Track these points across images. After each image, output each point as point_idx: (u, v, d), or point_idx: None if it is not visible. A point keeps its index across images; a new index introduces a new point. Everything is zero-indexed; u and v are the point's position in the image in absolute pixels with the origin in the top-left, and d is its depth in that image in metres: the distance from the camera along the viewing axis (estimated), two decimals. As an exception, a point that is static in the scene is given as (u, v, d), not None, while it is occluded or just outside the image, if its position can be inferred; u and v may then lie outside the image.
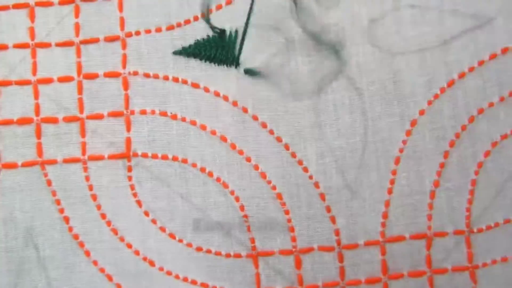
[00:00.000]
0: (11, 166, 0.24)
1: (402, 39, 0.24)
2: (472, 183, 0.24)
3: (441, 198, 0.24)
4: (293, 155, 0.24)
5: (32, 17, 0.25)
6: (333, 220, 0.24)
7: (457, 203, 0.24)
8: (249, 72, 0.24)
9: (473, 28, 0.24)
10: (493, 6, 0.24)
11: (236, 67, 0.25)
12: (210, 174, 0.24)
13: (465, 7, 0.24)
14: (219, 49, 0.24)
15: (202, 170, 0.24)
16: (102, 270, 0.24)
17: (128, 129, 0.25)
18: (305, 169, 0.24)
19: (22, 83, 0.25)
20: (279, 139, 0.24)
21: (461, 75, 0.24)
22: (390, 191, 0.24)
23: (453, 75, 0.24)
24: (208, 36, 0.25)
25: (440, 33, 0.24)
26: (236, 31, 0.25)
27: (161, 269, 0.24)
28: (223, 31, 0.24)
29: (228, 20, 0.24)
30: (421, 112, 0.24)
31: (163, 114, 0.25)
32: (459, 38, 0.24)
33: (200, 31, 0.25)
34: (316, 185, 0.24)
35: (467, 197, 0.24)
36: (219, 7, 0.25)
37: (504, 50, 0.24)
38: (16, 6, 0.25)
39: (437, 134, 0.24)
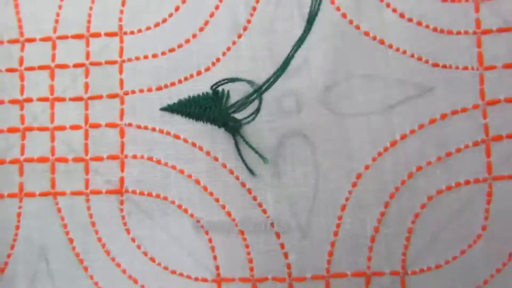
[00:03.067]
0: (31, 195, 0.29)
1: (352, 103, 0.27)
2: (408, 231, 0.27)
3: (380, 242, 0.27)
4: (255, 198, 0.28)
5: (52, 76, 0.29)
6: (285, 255, 0.27)
7: (394, 248, 0.27)
8: (231, 127, 0.27)
9: (415, 96, 0.27)
10: (434, 77, 0.27)
11: (227, 124, 0.28)
12: (185, 210, 0.28)
13: (409, 77, 0.27)
14: (199, 107, 0.28)
15: (179, 206, 0.28)
16: (96, 284, 0.28)
17: (122, 170, 0.28)
18: (264, 211, 0.27)
19: (42, 129, 0.29)
20: (243, 185, 0.28)
21: (403, 137, 0.27)
22: (335, 234, 0.27)
23: (395, 136, 0.27)
24: (189, 96, 0.28)
25: (386, 99, 0.27)
26: (228, 92, 0.28)
27: (142, 286, 0.28)
28: (217, 91, 0.28)
29: (205, 85, 0.28)
30: (366, 167, 0.27)
31: (150, 159, 0.28)
32: (402, 104, 0.27)
33: (183, 92, 0.28)
34: (273, 225, 0.27)
35: (403, 242, 0.27)
36: (198, 73, 0.28)
37: (443, 116, 0.27)
38: (40, 67, 0.29)
39: (379, 187, 0.27)
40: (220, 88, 0.28)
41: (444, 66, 0.27)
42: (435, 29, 0.27)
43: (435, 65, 0.27)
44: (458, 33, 0.27)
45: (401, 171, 0.27)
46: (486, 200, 0.26)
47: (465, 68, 0.27)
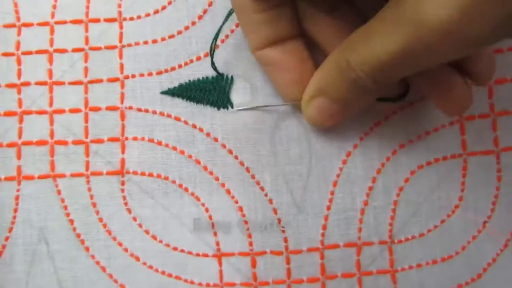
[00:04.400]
0: (29, 178, 0.29)
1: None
2: (394, 203, 0.29)
3: (369, 215, 0.29)
4: (253, 177, 0.29)
5: (50, 61, 0.30)
6: (282, 230, 0.29)
7: (382, 219, 0.29)
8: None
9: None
10: None
11: (226, 107, 0.29)
12: (186, 189, 0.29)
13: None
14: (199, 90, 0.29)
15: (180, 186, 0.29)
16: (97, 263, 0.29)
17: (123, 152, 0.29)
18: (262, 188, 0.29)
19: (40, 112, 0.29)
20: (242, 164, 0.29)
21: (387, 118, 0.29)
22: (328, 208, 0.29)
23: (380, 117, 0.29)
24: (189, 80, 0.30)
25: None
26: (232, 77, 0.29)
27: (144, 263, 0.29)
28: (221, 74, 0.29)
29: (205, 70, 0.29)
30: (355, 146, 0.29)
31: (151, 140, 0.29)
32: None
33: (183, 76, 0.29)
34: (270, 201, 0.29)
35: (390, 214, 0.29)
36: (198, 58, 0.30)
37: (422, 98, 0.29)
38: (38, 52, 0.30)
39: (366, 164, 0.29)
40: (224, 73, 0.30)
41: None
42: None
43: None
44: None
45: (386, 148, 0.29)
46: (462, 174, 0.29)
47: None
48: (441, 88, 0.25)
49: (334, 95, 0.25)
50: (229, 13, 0.28)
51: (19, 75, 0.30)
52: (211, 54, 0.29)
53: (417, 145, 0.29)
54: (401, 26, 0.20)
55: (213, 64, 0.29)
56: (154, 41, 0.30)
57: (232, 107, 0.29)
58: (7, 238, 0.29)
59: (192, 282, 0.29)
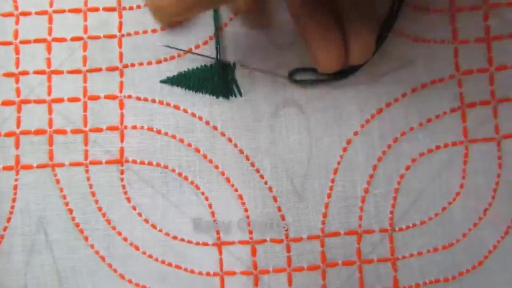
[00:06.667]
0: (28, 167, 0.29)
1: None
2: (395, 191, 0.29)
3: (370, 203, 0.29)
4: (252, 165, 0.29)
5: (49, 49, 0.29)
6: (282, 218, 0.29)
7: (383, 207, 0.29)
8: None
9: (398, 68, 0.29)
10: (414, 51, 0.29)
11: (225, 95, 0.29)
12: (186, 178, 0.29)
13: (393, 50, 0.29)
14: (198, 79, 0.29)
15: (179, 175, 0.29)
16: (97, 252, 0.29)
17: (122, 141, 0.29)
18: (262, 177, 0.29)
19: (39, 101, 0.29)
20: (241, 152, 0.29)
21: (388, 105, 0.29)
22: (329, 196, 0.29)
23: (381, 104, 0.29)
24: (188, 69, 0.30)
25: (373, 71, 0.29)
26: (234, 64, 0.29)
27: (144, 253, 0.29)
28: (226, 62, 0.29)
29: (203, 58, 0.29)
30: (355, 133, 0.29)
31: (150, 129, 0.29)
32: (387, 75, 0.29)
33: (182, 65, 0.29)
34: (270, 189, 0.29)
35: (391, 202, 0.29)
36: (197, 47, 0.30)
37: (423, 85, 0.29)
38: (36, 41, 0.30)
39: (367, 151, 0.29)
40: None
41: (423, 41, 0.30)
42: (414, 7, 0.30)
43: (415, 40, 0.30)
44: (435, 11, 0.30)
45: (387, 136, 0.29)
46: (463, 161, 0.29)
47: (442, 42, 0.30)
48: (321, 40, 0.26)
49: None
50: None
51: (17, 64, 0.30)
52: (217, 42, 0.28)
53: (418, 133, 0.29)
54: None
55: (217, 54, 0.29)
56: (154, 31, 0.30)
57: (231, 95, 0.29)
58: (5, 228, 0.29)
59: (192, 271, 0.29)
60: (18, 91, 0.29)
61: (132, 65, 0.30)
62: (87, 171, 0.29)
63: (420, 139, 0.29)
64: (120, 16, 0.30)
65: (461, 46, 0.30)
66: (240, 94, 0.29)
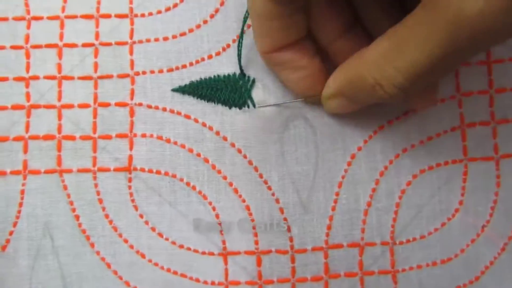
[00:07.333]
0: (36, 172, 0.29)
1: None
2: (396, 205, 0.30)
3: (372, 216, 0.29)
4: (260, 176, 0.29)
5: (60, 55, 0.29)
6: (288, 229, 0.29)
7: (384, 220, 0.29)
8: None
9: None
10: None
11: (237, 106, 0.29)
12: (194, 188, 0.29)
13: None
14: (211, 89, 0.29)
15: (187, 184, 0.29)
16: (103, 259, 0.29)
17: (131, 148, 0.29)
18: (269, 188, 0.29)
19: (49, 107, 0.29)
20: (250, 163, 0.29)
21: (390, 122, 0.30)
22: (333, 209, 0.29)
23: (384, 122, 0.30)
24: (200, 78, 0.30)
25: None
26: (254, 79, 0.30)
27: (150, 261, 0.29)
28: (244, 74, 0.29)
29: (216, 68, 0.30)
30: (359, 148, 0.30)
31: (159, 138, 0.29)
32: None
33: (194, 74, 0.30)
34: (277, 201, 0.29)
35: (392, 216, 0.30)
36: (209, 57, 0.30)
37: None
38: (47, 46, 0.30)
39: (370, 166, 0.30)
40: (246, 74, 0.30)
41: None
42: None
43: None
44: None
45: (389, 152, 0.30)
46: (463, 179, 0.30)
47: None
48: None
49: (355, 99, 0.27)
50: (246, 17, 0.29)
51: (27, 68, 0.30)
52: (239, 54, 0.29)
53: (419, 150, 0.30)
54: (439, 27, 0.21)
55: (241, 68, 0.29)
56: (165, 39, 0.30)
57: (244, 106, 0.30)
58: (11, 232, 0.29)
59: (197, 280, 0.29)
60: (28, 96, 0.29)
61: (144, 72, 0.30)
62: (95, 177, 0.29)
63: (421, 156, 0.30)
64: (132, 23, 0.30)
65: (463, 68, 0.31)
66: (254, 106, 0.30)
